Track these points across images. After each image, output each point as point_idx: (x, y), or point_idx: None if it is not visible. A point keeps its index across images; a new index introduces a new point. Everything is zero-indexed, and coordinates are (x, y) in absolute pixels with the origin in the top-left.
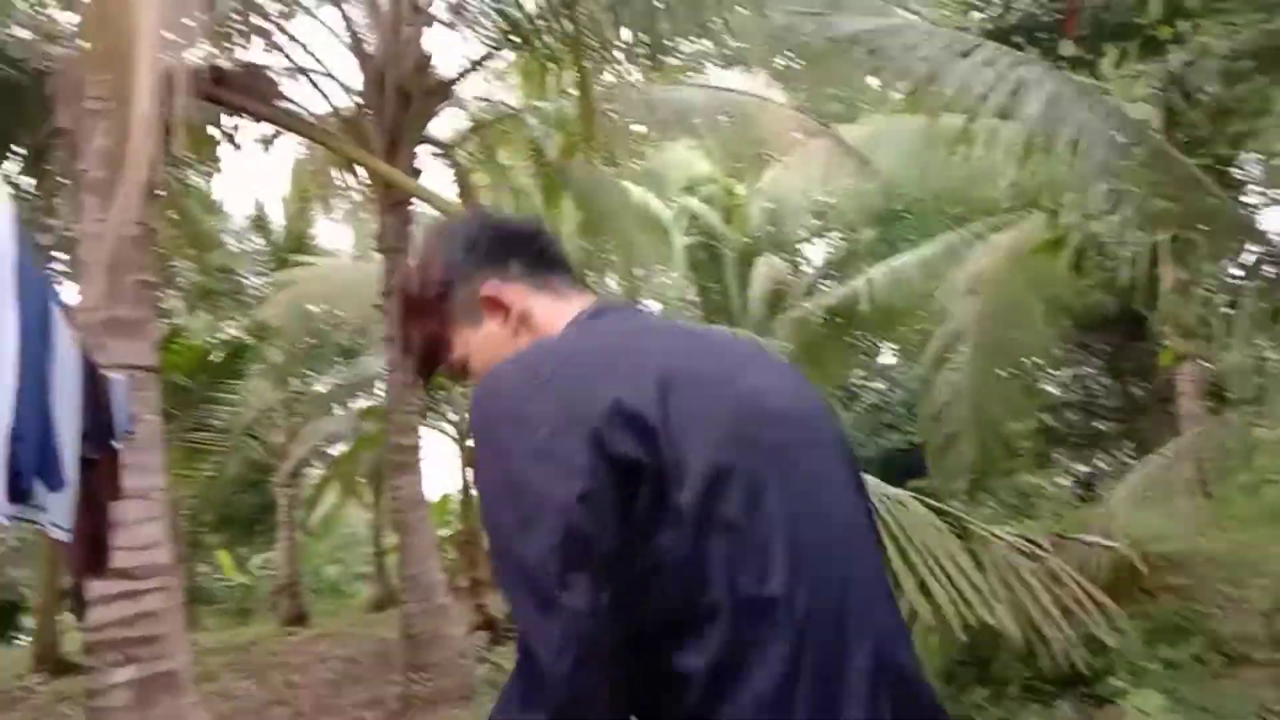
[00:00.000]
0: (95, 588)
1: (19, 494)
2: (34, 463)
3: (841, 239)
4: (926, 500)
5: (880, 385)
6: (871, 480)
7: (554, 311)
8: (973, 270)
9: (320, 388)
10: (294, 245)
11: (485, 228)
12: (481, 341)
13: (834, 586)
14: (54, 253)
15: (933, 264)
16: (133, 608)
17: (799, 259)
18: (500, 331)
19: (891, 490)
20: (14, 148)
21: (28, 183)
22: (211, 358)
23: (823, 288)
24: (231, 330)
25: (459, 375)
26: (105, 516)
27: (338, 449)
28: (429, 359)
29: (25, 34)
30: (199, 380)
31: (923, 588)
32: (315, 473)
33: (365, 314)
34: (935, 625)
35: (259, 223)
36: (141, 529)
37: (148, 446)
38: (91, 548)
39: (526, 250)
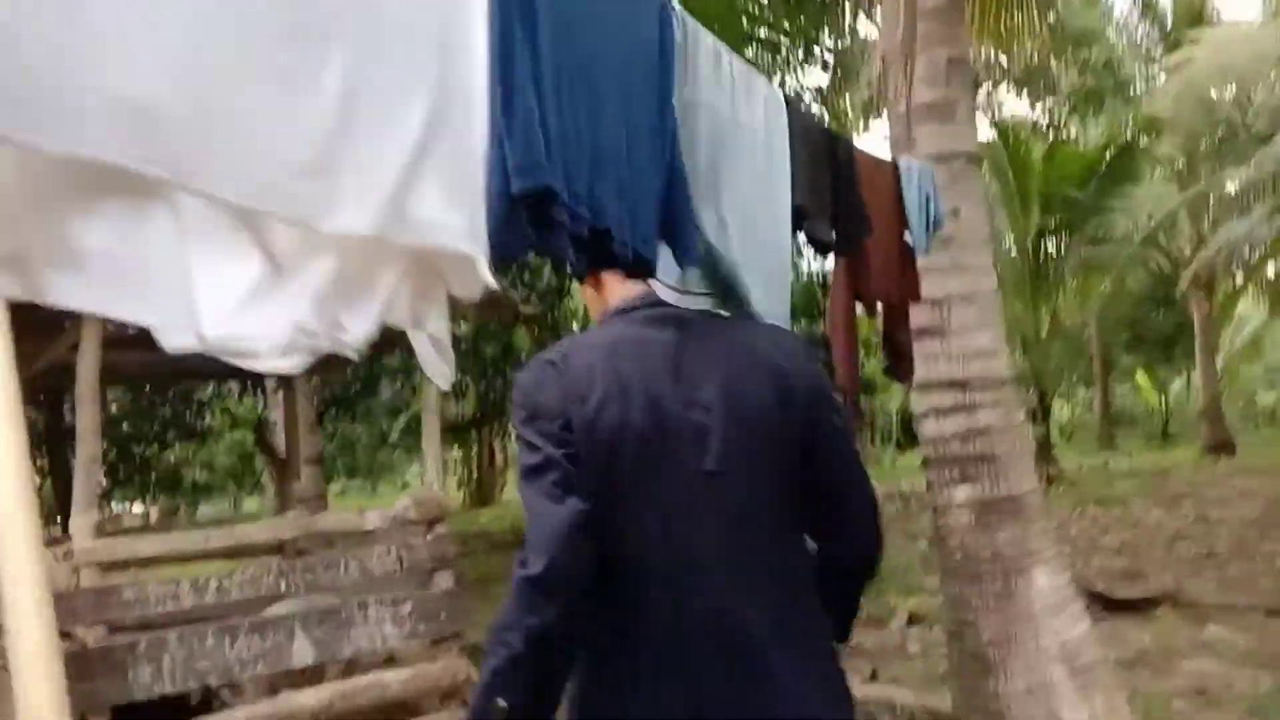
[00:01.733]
0: (928, 399)
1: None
2: (629, 225)
3: None
4: None
5: None
6: None
7: (615, 291)
8: None
9: (1230, 184)
10: (1189, 19)
11: None
12: (588, 292)
13: (674, 556)
14: None
15: None
16: (966, 422)
17: None
18: (589, 290)
19: None
20: None
21: None
22: (1100, 164)
23: None
24: (1120, 131)
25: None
26: (902, 318)
27: (1257, 254)
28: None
29: None
30: (1088, 190)
31: None
32: (1233, 283)
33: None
34: None
35: (1146, 5)
36: (972, 336)
37: (974, 244)
38: (890, 351)
39: None
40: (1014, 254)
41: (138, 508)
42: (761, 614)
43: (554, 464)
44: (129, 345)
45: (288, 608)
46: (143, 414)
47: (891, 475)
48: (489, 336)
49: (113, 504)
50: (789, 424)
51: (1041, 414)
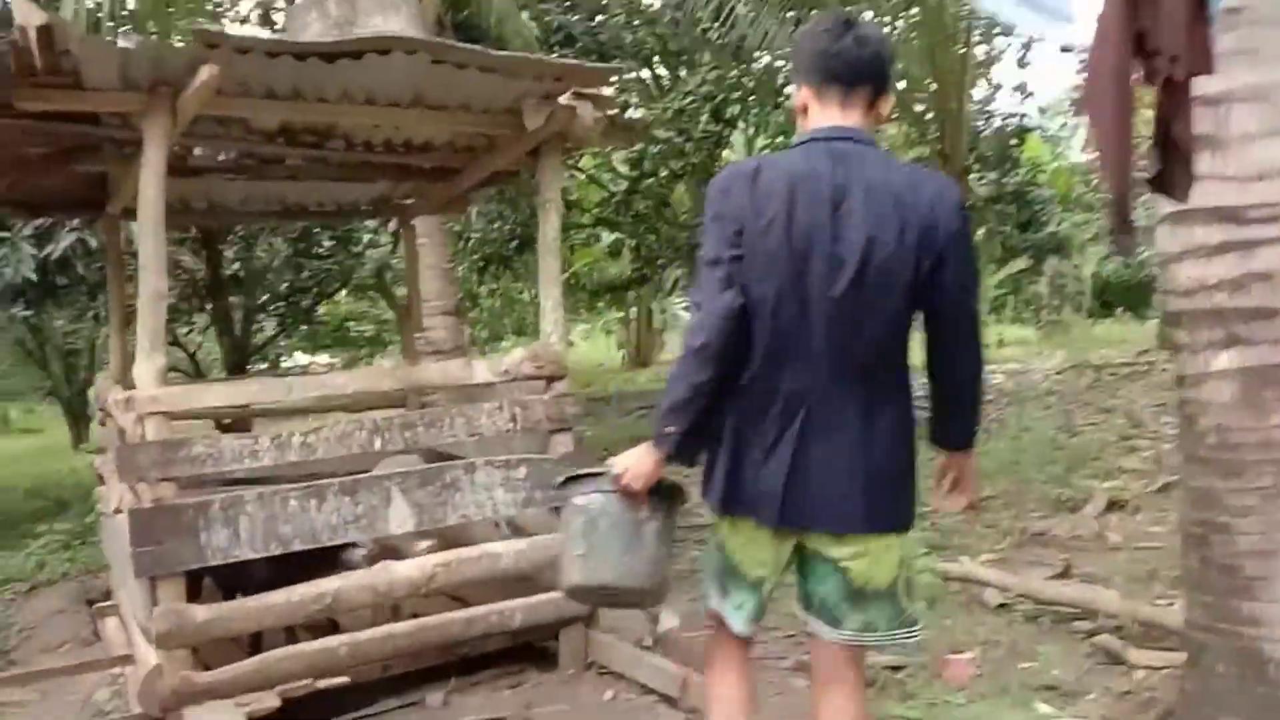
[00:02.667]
0: (1186, 234)
1: None
2: None
3: None
4: None
5: None
6: None
7: (815, 116)
8: None
9: None
10: None
11: (804, 49)
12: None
13: (799, 355)
14: None
15: None
16: (1240, 265)
17: None
18: (800, 114)
19: None
20: None
21: None
22: None
23: None
24: None
25: None
26: (1184, 100)
27: None
28: None
29: None
30: None
31: None
32: None
33: None
34: None
35: None
36: (1258, 148)
37: (1272, 22)
38: (1163, 149)
39: (822, 66)
40: None
41: (323, 358)
42: (854, 408)
43: (723, 261)
44: (204, 172)
45: (388, 467)
46: (290, 264)
47: (1080, 345)
48: (645, 193)
49: (295, 355)
50: (916, 271)
51: None
